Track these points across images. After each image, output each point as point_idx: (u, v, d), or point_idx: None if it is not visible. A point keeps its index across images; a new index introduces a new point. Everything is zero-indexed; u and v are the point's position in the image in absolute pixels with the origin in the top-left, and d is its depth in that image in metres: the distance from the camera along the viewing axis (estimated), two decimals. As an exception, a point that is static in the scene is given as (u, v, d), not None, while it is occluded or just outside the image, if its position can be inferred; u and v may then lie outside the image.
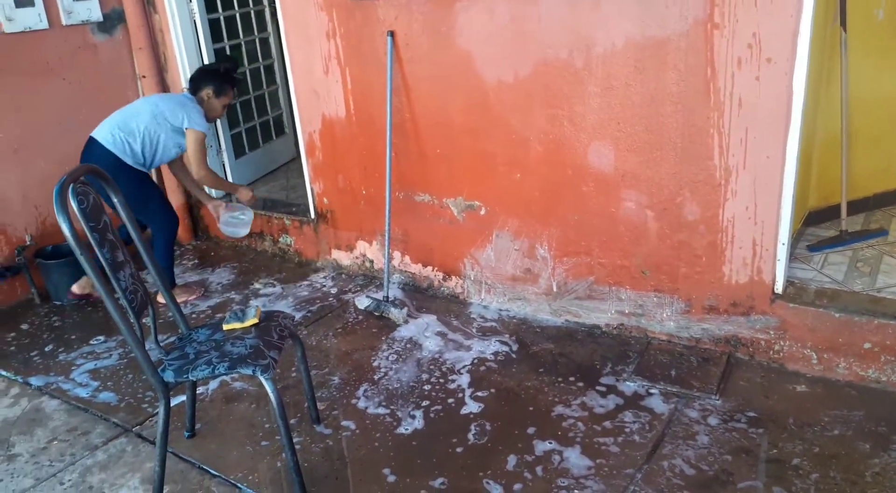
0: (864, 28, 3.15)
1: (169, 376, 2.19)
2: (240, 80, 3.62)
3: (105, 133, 3.45)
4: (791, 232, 2.75)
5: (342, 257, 4.04)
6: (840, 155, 3.20)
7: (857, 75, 3.15)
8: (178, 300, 3.70)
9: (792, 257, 2.99)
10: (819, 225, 3.42)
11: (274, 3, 3.76)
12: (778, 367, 2.84)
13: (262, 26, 5.05)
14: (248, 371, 2.18)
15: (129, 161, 3.45)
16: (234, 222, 3.82)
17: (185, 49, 4.29)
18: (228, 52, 4.64)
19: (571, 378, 2.89)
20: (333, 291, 3.84)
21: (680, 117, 2.75)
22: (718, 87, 2.65)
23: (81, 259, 2.03)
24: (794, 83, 2.53)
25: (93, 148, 3.45)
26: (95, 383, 3.09)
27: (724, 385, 2.76)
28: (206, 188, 3.94)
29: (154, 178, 3.89)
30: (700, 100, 2.69)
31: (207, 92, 3.60)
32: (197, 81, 3.62)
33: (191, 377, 2.19)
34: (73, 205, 2.08)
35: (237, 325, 2.39)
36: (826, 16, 2.95)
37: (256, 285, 3.95)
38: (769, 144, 2.63)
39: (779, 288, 2.78)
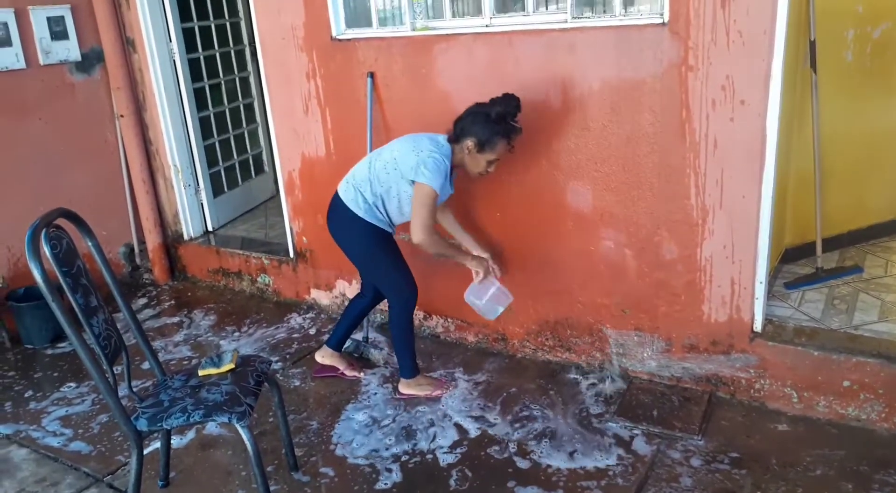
0: (834, 70, 3.23)
1: (142, 425, 2.14)
2: (517, 130, 2.74)
3: (345, 181, 2.91)
4: (768, 270, 2.77)
5: (321, 297, 4.00)
6: (814, 193, 3.25)
7: (829, 116, 3.22)
8: (422, 393, 3.07)
9: (770, 294, 3.01)
10: (795, 262, 3.45)
11: (254, 43, 3.78)
12: (759, 406, 2.84)
13: (243, 65, 5.07)
14: (224, 419, 2.14)
15: (360, 214, 2.82)
16: (498, 298, 2.96)
17: (165, 88, 4.29)
18: (208, 91, 4.65)
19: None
20: (312, 331, 3.79)
21: (656, 157, 2.78)
22: (694, 128, 2.69)
23: (53, 305, 1.99)
24: (768, 124, 2.57)
25: (335, 195, 2.93)
26: (67, 431, 3.00)
27: (706, 425, 2.74)
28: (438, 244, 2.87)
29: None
30: (675, 140, 2.73)
31: (469, 144, 2.72)
32: (460, 126, 2.75)
33: (165, 426, 2.14)
34: (46, 249, 2.04)
35: (213, 370, 2.34)
36: (797, 58, 3.02)
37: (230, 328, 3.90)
38: (745, 183, 2.66)
39: (758, 326, 2.80)
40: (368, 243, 2.90)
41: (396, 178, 2.77)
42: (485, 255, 3.04)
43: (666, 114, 2.73)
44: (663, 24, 2.64)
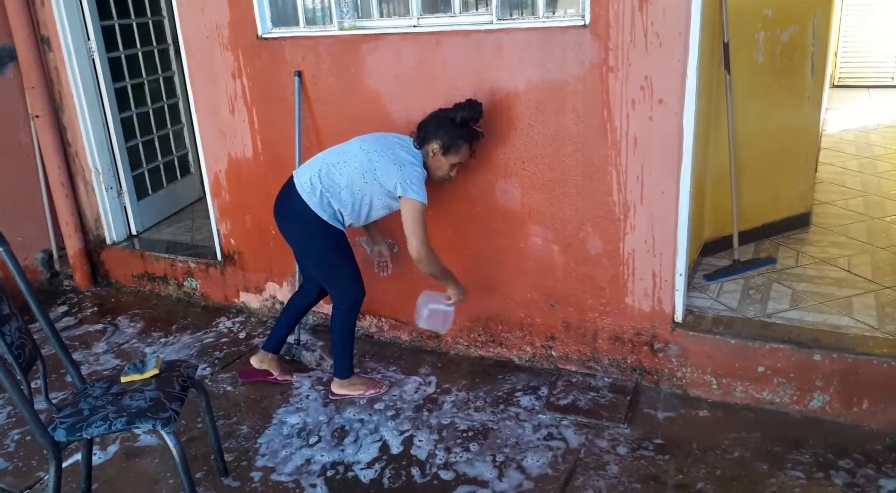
0: (747, 71, 3.38)
1: (60, 435, 2.06)
2: (480, 134, 2.84)
3: (304, 178, 2.81)
4: (688, 263, 2.89)
5: (251, 300, 3.94)
6: (730, 189, 3.40)
7: (742, 114, 3.37)
8: (355, 393, 3.08)
9: (690, 286, 3.13)
10: (714, 255, 3.60)
11: (178, 42, 3.68)
12: (681, 393, 2.95)
13: (167, 65, 4.94)
14: (148, 426, 2.08)
15: (324, 217, 2.79)
16: (440, 315, 3.00)
17: (83, 88, 4.14)
18: (130, 91, 4.51)
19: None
20: (242, 335, 3.73)
21: (580, 156, 2.85)
22: (615, 126, 2.77)
23: (-40, 314, 1.90)
24: (685, 122, 2.68)
25: (290, 191, 2.83)
26: (-20, 445, 2.87)
27: (631, 414, 2.83)
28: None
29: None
30: (598, 139, 2.81)
31: (433, 147, 2.77)
32: (424, 130, 2.80)
33: (85, 435, 2.07)
34: (-49, 256, 1.95)
35: (136, 377, 2.28)
36: (712, 59, 3.15)
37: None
38: (664, 180, 2.76)
39: (678, 317, 2.91)
40: (326, 245, 2.85)
41: (375, 187, 2.76)
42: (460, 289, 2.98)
43: (588, 113, 2.80)
44: (584, 26, 2.71)
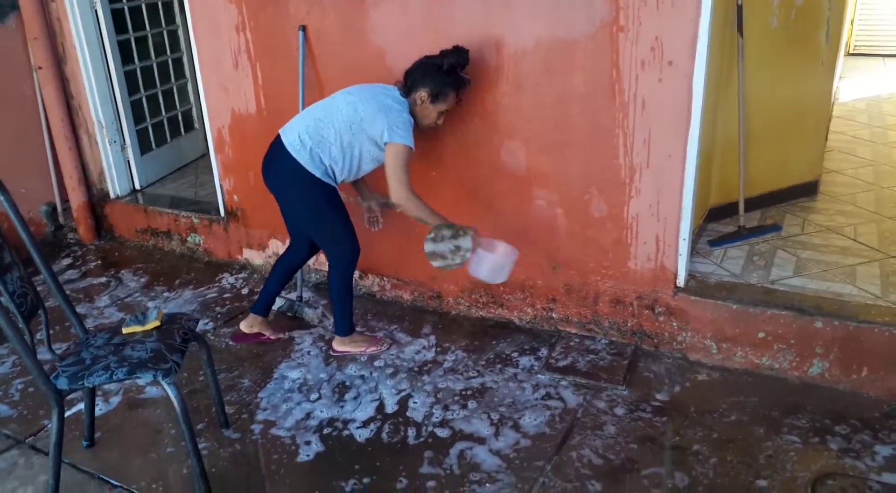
0: (760, 34, 3.31)
1: (62, 384, 2.08)
2: (466, 81, 2.81)
3: (293, 135, 2.76)
4: (692, 228, 2.86)
5: (254, 257, 3.94)
6: (738, 154, 3.36)
7: (754, 79, 3.31)
8: (356, 350, 3.10)
9: (694, 251, 3.12)
10: (720, 221, 3.57)
11: (181, -6, 3.63)
12: (681, 357, 2.96)
13: (171, 18, 4.87)
14: (149, 376, 2.10)
15: (316, 174, 2.75)
16: (500, 264, 2.75)
17: (86, 40, 4.09)
18: (134, 44, 4.46)
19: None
20: (245, 291, 3.74)
21: (587, 117, 2.82)
22: (623, 88, 2.73)
23: (-38, 261, 1.91)
24: (694, 85, 2.63)
25: (278, 148, 2.79)
26: (-15, 393, 2.91)
27: (630, 376, 2.85)
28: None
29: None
30: (606, 100, 2.76)
31: (422, 95, 2.74)
32: (412, 78, 2.76)
33: (86, 384, 2.09)
34: (-48, 203, 1.95)
35: (137, 328, 2.29)
36: (724, 22, 3.08)
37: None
38: (671, 143, 2.73)
39: (681, 282, 2.90)
40: (318, 202, 2.81)
41: (362, 139, 2.73)
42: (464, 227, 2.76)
43: (597, 74, 2.75)
44: (595, -17, 2.65)
